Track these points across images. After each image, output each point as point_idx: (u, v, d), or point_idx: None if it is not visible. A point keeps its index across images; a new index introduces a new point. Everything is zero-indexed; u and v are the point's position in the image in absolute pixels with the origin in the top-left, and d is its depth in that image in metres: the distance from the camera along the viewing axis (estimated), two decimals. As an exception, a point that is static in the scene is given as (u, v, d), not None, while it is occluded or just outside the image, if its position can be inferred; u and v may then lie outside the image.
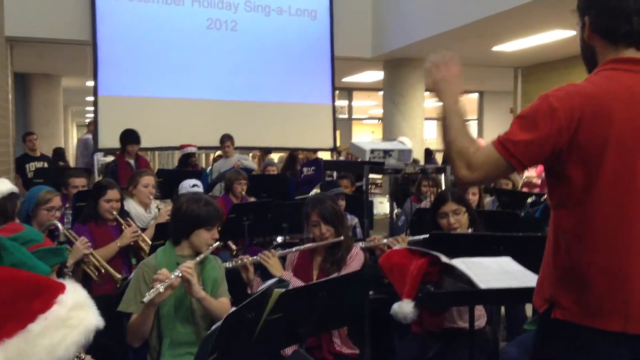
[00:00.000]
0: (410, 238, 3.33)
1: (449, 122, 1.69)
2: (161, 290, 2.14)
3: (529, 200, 4.52)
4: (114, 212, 3.65)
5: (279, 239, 4.79)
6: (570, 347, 1.59)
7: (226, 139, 7.36)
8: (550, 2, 5.84)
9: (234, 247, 4.58)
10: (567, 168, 1.54)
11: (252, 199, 5.13)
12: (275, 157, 11.04)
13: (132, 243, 3.63)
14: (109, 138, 7.74)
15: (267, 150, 9.08)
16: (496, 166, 1.59)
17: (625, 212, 1.52)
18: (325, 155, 9.37)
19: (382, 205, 6.68)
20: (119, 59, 7.83)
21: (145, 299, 2.12)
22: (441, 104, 1.75)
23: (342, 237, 2.99)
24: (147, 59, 7.98)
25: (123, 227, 3.67)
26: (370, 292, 3.20)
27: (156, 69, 8.03)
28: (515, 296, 2.16)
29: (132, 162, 6.22)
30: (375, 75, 11.20)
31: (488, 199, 5.68)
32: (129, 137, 6.27)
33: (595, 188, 1.53)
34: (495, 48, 8.60)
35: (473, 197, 4.70)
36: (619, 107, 1.52)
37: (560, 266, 1.61)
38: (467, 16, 7.12)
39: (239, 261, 2.90)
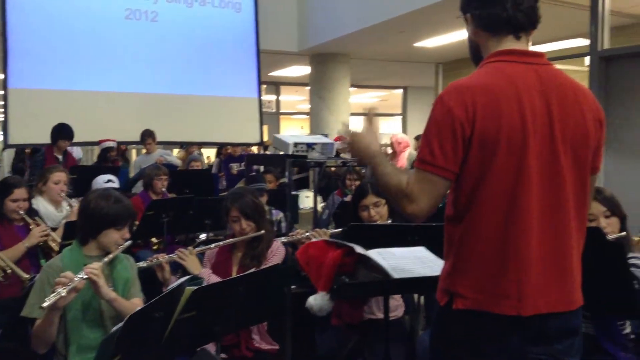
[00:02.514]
0: (332, 231, 3.33)
1: (378, 173, 1.70)
2: (63, 294, 2.02)
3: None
4: (21, 212, 3.46)
5: (203, 236, 4.69)
6: (470, 335, 1.62)
7: (147, 135, 7.14)
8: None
9: (155, 240, 4.45)
10: (465, 159, 1.58)
11: (173, 196, 5.00)
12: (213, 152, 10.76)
13: (40, 243, 3.45)
14: (21, 133, 7.36)
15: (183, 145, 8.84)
16: (432, 185, 1.59)
17: (515, 199, 1.57)
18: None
19: (307, 200, 6.69)
20: (31, 50, 7.46)
21: (45, 304, 1.99)
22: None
23: (262, 231, 2.95)
24: (62, 50, 7.63)
25: (31, 226, 3.48)
26: (293, 287, 3.18)
27: (72, 60, 7.69)
28: (427, 285, 2.19)
29: (60, 157, 6.01)
30: (302, 70, 11.21)
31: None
32: (62, 132, 6.10)
33: (488, 177, 1.57)
34: (417, 44, 8.80)
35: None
36: (505, 98, 1.57)
37: (454, 255, 1.65)
38: (388, 12, 7.25)
39: (154, 260, 2.81)
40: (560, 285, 1.61)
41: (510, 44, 1.67)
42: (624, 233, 2.58)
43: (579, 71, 6.92)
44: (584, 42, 6.27)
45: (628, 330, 2.54)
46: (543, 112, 1.59)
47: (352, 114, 10.69)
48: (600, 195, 2.55)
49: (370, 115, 1.85)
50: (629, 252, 2.51)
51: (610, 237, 2.41)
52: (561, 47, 7.66)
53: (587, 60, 5.98)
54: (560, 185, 1.60)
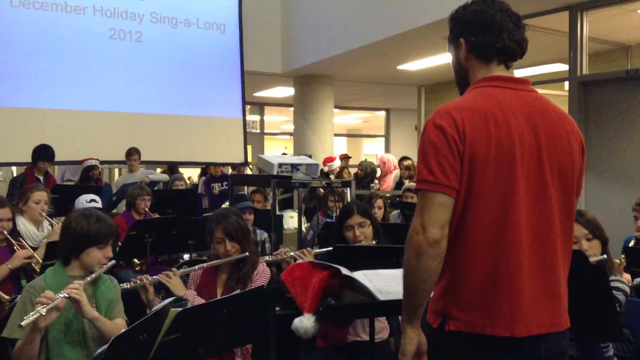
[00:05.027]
0: (316, 251, 3.33)
1: (409, 301, 1.65)
2: (43, 313, 1.99)
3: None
4: (5, 232, 3.42)
5: (186, 257, 4.66)
6: (463, 356, 1.63)
7: (133, 152, 7.12)
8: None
9: (137, 261, 4.40)
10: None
11: (156, 215, 4.96)
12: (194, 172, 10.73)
13: (24, 265, 3.40)
14: (2, 152, 7.26)
15: (172, 166, 8.82)
16: (436, 206, 1.56)
17: (505, 220, 1.59)
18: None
19: (292, 220, 6.68)
20: (14, 69, 7.37)
21: (24, 323, 1.96)
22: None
23: (246, 253, 2.94)
24: (45, 69, 7.56)
25: (15, 247, 3.43)
26: (277, 309, 3.16)
27: (55, 79, 7.62)
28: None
29: (41, 178, 5.96)
30: (286, 91, 11.26)
31: (394, 213, 5.83)
32: (42, 153, 6.02)
33: (477, 199, 1.59)
34: (400, 67, 8.90)
35: (379, 211, 4.81)
36: (494, 120, 1.61)
37: (446, 278, 1.65)
38: (372, 35, 7.35)
39: (138, 281, 2.78)
40: (550, 307, 1.64)
41: (499, 71, 1.71)
42: (604, 256, 2.62)
43: (558, 96, 7.05)
44: (563, 67, 6.41)
45: (611, 352, 2.56)
46: (531, 137, 1.62)
47: (336, 135, 10.74)
48: (582, 218, 2.58)
49: None
50: (611, 275, 2.55)
51: (591, 259, 2.44)
52: (540, 71, 7.80)
53: (566, 85, 6.11)
54: (548, 209, 1.63)
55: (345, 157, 9.88)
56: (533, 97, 1.70)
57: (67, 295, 2.11)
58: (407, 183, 7.35)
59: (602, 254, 2.64)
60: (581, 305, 1.90)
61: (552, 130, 1.66)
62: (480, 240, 1.60)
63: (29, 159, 6.22)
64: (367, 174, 8.69)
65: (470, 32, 1.71)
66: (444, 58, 7.99)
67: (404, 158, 8.20)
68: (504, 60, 1.71)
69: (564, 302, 1.67)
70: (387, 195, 7.03)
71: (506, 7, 1.72)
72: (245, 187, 6.98)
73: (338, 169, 8.84)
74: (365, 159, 10.05)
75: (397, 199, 6.64)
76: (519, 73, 1.79)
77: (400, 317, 1.73)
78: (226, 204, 6.16)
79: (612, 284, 2.45)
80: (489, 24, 1.68)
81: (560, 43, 6.04)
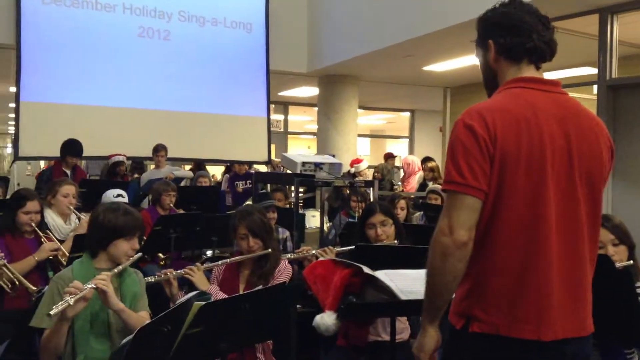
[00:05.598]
0: (338, 249, 3.34)
1: (430, 304, 1.69)
2: (71, 303, 2.03)
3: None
4: (33, 224, 3.49)
5: (209, 253, 4.71)
6: (486, 359, 1.62)
7: (161, 148, 7.18)
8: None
9: (162, 256, 4.47)
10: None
11: (181, 211, 5.02)
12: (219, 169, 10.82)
13: (51, 257, 3.47)
14: (32, 146, 7.43)
15: (199, 163, 8.92)
16: (464, 208, 1.55)
17: (534, 224, 1.57)
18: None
19: (314, 219, 6.70)
20: (45, 65, 7.54)
21: (52, 312, 2.01)
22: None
23: (269, 250, 2.96)
24: (75, 65, 7.71)
25: (42, 239, 3.50)
26: (299, 306, 3.18)
27: (84, 76, 7.77)
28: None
29: (68, 172, 6.08)
30: (311, 91, 11.27)
31: (417, 214, 5.81)
32: (71, 149, 6.14)
33: (506, 200, 1.58)
34: (426, 68, 8.86)
35: (401, 211, 4.80)
36: (525, 121, 1.59)
37: (472, 280, 1.64)
38: (398, 36, 7.32)
39: (162, 275, 2.82)
40: (576, 310, 1.62)
41: (529, 72, 1.70)
42: (631, 262, 2.58)
43: (587, 99, 6.95)
44: (592, 70, 6.31)
45: (636, 359, 2.53)
46: (562, 139, 1.61)
47: (360, 135, 10.72)
48: (608, 223, 2.55)
49: None
50: (637, 281, 2.51)
51: (617, 265, 2.41)
52: (569, 75, 7.69)
53: (594, 88, 6.01)
54: (576, 212, 1.62)
55: (390, 157, 9.84)
56: (564, 100, 1.69)
57: (94, 286, 2.15)
58: (431, 185, 7.31)
59: (628, 259, 2.60)
60: (606, 310, 1.88)
61: (583, 133, 1.65)
62: (509, 242, 1.58)
63: (57, 153, 6.34)
64: (384, 177, 8.66)
65: (499, 33, 1.71)
66: (470, 60, 7.93)
67: (428, 159, 8.16)
68: (534, 61, 1.70)
69: (589, 306, 1.66)
70: (411, 196, 7.00)
71: (534, 9, 1.71)
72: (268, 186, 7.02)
73: (365, 171, 8.82)
74: (384, 161, 10.05)
75: (421, 200, 6.61)
76: (547, 76, 1.77)
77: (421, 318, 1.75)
78: (249, 202, 6.20)
79: (638, 290, 2.41)
80: (518, 25, 1.68)
81: (589, 46, 5.95)
